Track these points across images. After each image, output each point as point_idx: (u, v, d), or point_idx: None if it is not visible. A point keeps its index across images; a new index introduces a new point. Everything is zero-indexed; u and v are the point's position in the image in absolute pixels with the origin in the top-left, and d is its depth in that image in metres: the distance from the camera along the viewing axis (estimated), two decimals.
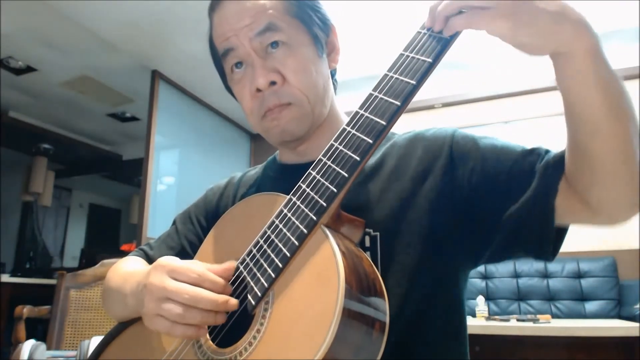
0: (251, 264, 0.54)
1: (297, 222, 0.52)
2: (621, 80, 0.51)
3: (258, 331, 0.49)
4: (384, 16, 2.60)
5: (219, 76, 0.77)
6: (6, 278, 3.81)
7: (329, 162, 0.53)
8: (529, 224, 0.57)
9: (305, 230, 0.50)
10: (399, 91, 0.52)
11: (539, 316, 2.22)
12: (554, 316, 2.58)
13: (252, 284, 0.52)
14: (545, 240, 0.57)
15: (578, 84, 0.50)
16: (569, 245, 0.68)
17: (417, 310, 0.61)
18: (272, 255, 0.52)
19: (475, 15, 0.48)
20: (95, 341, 1.17)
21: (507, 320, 2.25)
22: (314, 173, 0.54)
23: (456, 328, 0.65)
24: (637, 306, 2.35)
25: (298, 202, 0.53)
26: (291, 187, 0.56)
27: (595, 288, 2.65)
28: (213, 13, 0.70)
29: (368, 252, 0.62)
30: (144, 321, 0.54)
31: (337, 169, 0.52)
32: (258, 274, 0.52)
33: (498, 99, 3.34)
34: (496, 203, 0.59)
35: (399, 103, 0.51)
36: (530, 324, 2.13)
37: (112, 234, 6.52)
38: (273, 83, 0.65)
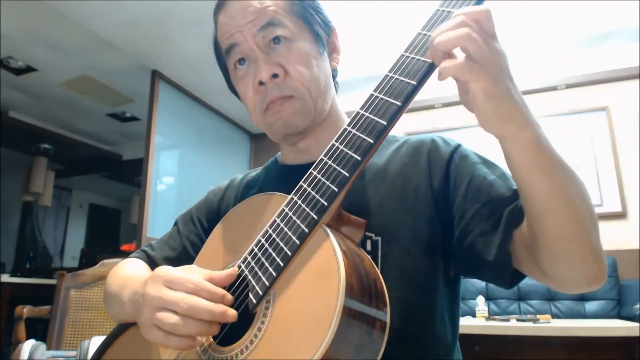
0: (253, 263, 0.55)
1: (298, 221, 0.52)
2: (567, 163, 0.50)
3: (259, 330, 0.49)
4: (384, 16, 2.60)
5: (223, 77, 0.78)
6: (6, 278, 3.81)
7: (330, 162, 0.54)
8: (486, 263, 0.58)
9: (306, 230, 0.51)
10: (399, 91, 0.52)
11: (539, 316, 2.22)
12: (554, 316, 2.58)
13: (253, 282, 0.53)
14: (500, 278, 0.59)
15: (523, 171, 0.50)
16: None
17: (416, 313, 0.62)
18: (274, 254, 0.52)
19: (466, 68, 0.45)
20: (95, 341, 1.17)
21: (507, 320, 2.26)
22: (315, 173, 0.55)
23: (452, 331, 0.67)
24: (637, 306, 2.35)
25: (299, 202, 0.54)
26: (293, 188, 0.56)
27: None
28: (218, 12, 0.72)
29: (369, 256, 0.62)
30: (141, 331, 0.54)
31: (338, 168, 0.52)
32: (259, 273, 0.53)
33: None
34: (464, 231, 0.61)
35: (399, 103, 0.51)
36: (530, 324, 2.13)
37: (112, 234, 6.53)
38: (275, 76, 0.66)
